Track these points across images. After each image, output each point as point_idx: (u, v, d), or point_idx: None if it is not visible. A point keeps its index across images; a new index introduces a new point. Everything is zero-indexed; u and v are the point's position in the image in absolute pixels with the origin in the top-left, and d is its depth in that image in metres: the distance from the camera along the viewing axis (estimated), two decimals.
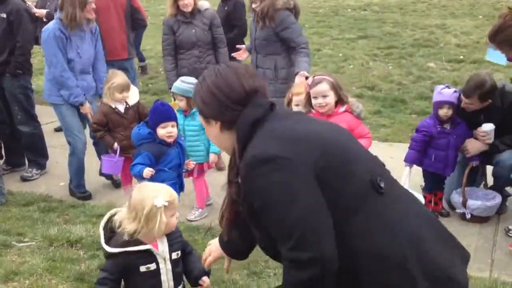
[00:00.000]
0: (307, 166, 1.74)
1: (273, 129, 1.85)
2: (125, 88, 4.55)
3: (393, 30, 11.56)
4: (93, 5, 4.70)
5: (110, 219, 2.53)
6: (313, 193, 1.73)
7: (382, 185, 1.82)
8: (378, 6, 14.69)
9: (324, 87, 3.61)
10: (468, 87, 4.18)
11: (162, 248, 2.50)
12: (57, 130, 6.86)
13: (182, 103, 4.39)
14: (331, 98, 3.63)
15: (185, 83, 4.39)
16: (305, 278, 1.70)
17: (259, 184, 1.77)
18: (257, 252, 3.84)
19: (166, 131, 3.71)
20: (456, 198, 4.38)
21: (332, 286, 1.73)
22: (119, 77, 4.57)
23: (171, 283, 2.52)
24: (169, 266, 2.52)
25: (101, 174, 5.25)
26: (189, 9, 5.27)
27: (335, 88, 3.64)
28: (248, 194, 1.83)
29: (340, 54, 9.88)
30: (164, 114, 3.75)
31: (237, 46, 5.28)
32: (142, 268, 2.45)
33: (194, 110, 4.45)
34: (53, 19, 6.06)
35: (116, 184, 5.18)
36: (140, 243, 2.45)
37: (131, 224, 2.42)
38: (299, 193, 1.71)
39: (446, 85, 4.45)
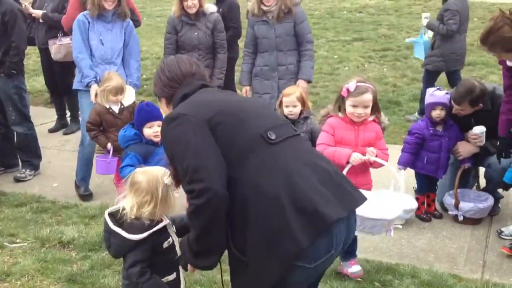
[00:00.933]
0: (202, 121, 2.20)
1: (191, 99, 2.37)
2: (119, 91, 4.54)
3: (388, 33, 11.58)
4: None
5: (113, 214, 2.61)
6: (205, 140, 2.16)
7: (272, 137, 2.22)
8: (373, 8, 14.72)
9: (368, 97, 3.40)
10: (458, 93, 4.21)
11: (168, 221, 2.63)
12: (51, 131, 6.86)
13: None
14: (370, 110, 3.46)
15: None
16: (196, 207, 2.10)
17: (167, 136, 2.28)
18: None
19: (152, 130, 3.71)
20: (449, 200, 4.39)
21: (222, 220, 2.12)
22: (114, 79, 4.56)
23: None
24: (175, 236, 2.63)
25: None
26: (193, 10, 5.27)
27: (375, 98, 3.48)
28: (164, 146, 2.34)
29: (336, 56, 9.90)
30: (150, 113, 3.75)
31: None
32: (165, 244, 2.57)
33: None
34: (50, 20, 6.10)
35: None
36: (157, 222, 2.55)
37: (149, 206, 2.51)
38: (193, 140, 2.16)
39: (438, 87, 4.47)
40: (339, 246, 2.20)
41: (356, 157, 3.37)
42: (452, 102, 4.24)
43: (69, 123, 6.91)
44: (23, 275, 3.65)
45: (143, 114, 3.69)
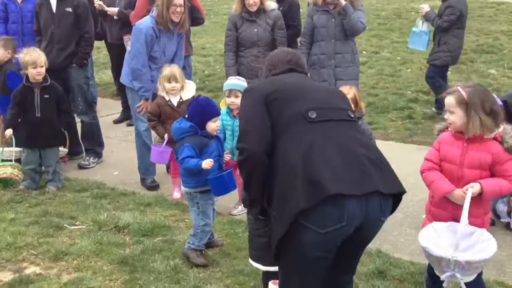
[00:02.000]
0: (261, 95, 2.66)
1: (270, 78, 2.91)
2: (172, 78, 4.74)
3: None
4: (178, 9, 4.90)
5: None
6: (256, 110, 2.62)
7: (313, 116, 2.56)
8: None
9: (450, 100, 2.98)
10: None
11: None
12: (116, 122, 7.18)
13: (238, 100, 4.52)
14: (457, 117, 2.95)
15: (241, 80, 4.64)
16: (239, 161, 2.65)
17: (240, 104, 2.85)
18: None
19: (216, 124, 3.84)
20: (501, 207, 4.29)
21: (258, 177, 2.58)
22: (168, 68, 4.80)
23: None
24: None
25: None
26: (254, 8, 5.39)
27: (466, 105, 2.91)
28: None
29: (399, 58, 9.76)
30: (216, 109, 3.89)
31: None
32: None
33: None
34: (125, 16, 6.38)
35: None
36: None
37: None
38: (248, 109, 2.69)
39: None
40: (353, 222, 2.42)
41: (457, 196, 2.96)
42: None
43: None
44: (79, 255, 3.88)
45: (210, 109, 3.80)
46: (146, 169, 5.26)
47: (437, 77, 6.88)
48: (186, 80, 4.96)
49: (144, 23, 4.94)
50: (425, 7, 6.79)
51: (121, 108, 7.32)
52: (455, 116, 2.96)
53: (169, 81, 4.75)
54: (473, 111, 2.88)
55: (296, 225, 2.40)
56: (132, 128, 6.84)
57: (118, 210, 4.61)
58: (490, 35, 11.26)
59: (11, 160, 5.16)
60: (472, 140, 2.96)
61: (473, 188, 2.91)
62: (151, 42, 4.93)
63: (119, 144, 6.43)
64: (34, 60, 4.97)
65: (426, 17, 6.75)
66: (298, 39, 6.28)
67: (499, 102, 3.96)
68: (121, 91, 7.46)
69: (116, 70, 7.45)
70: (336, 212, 2.38)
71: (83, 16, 5.53)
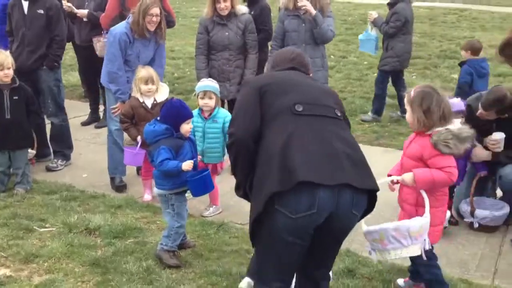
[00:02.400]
0: (256, 86, 2.83)
1: (269, 73, 3.23)
2: (149, 80, 4.77)
3: (420, 41, 11.55)
4: (154, 19, 4.96)
5: None
6: (249, 99, 2.80)
7: (299, 109, 2.70)
8: None
9: (405, 100, 3.34)
10: (487, 100, 4.25)
11: None
12: (84, 124, 7.12)
13: (212, 101, 4.61)
14: (408, 114, 3.29)
15: (214, 82, 4.71)
16: (227, 145, 2.86)
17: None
18: None
19: (189, 126, 3.87)
20: (465, 207, 4.44)
21: (244, 161, 2.78)
22: (143, 70, 4.82)
23: None
24: None
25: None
26: (225, 12, 5.44)
27: (412, 104, 3.24)
28: None
29: (365, 62, 9.95)
30: (189, 111, 3.93)
31: None
32: None
33: (214, 113, 4.64)
34: (94, 18, 6.34)
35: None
36: None
37: None
38: (241, 99, 2.87)
39: (449, 96, 4.51)
40: (323, 211, 2.55)
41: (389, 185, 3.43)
42: (480, 106, 4.28)
43: (101, 117, 7.16)
44: (50, 258, 3.85)
45: (185, 111, 3.83)
46: (115, 168, 5.27)
47: (385, 83, 7.16)
48: (160, 82, 4.99)
49: (118, 29, 5.02)
50: (374, 14, 7.02)
51: (89, 110, 7.27)
52: (407, 113, 3.33)
53: (146, 83, 4.77)
54: (414, 109, 3.24)
55: (270, 208, 2.55)
56: (100, 131, 6.85)
57: (88, 213, 4.59)
58: (453, 41, 11.58)
59: None
60: (418, 134, 3.33)
61: (404, 176, 3.28)
62: (124, 46, 4.99)
63: (88, 146, 6.39)
64: (1, 63, 4.90)
65: (374, 23, 6.96)
66: (270, 43, 6.37)
67: (459, 106, 4.15)
68: (89, 93, 7.42)
69: (84, 72, 7.40)
70: (307, 199, 2.52)
71: (55, 18, 5.48)
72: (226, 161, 4.80)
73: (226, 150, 4.79)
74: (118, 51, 4.97)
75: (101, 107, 7.20)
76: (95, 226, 4.29)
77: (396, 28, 6.78)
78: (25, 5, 5.46)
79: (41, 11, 5.43)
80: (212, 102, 4.63)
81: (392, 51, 6.91)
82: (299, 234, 2.59)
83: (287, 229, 2.56)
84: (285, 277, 2.77)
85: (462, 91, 5.98)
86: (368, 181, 2.66)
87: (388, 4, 7.15)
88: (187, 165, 3.71)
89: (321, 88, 2.98)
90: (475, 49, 6.22)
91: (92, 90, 7.23)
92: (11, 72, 4.97)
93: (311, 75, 3.17)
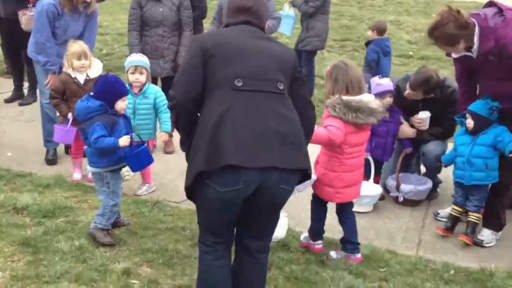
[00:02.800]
0: (200, 48, 2.75)
1: (219, 30, 3.33)
2: (82, 55, 4.63)
3: (349, 23, 11.84)
4: None
5: None
6: (192, 62, 2.75)
7: (238, 84, 2.67)
8: None
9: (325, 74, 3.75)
10: (415, 80, 4.44)
11: None
12: (7, 101, 6.80)
13: (143, 77, 4.58)
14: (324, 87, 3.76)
15: (145, 57, 4.69)
16: (169, 106, 2.84)
17: None
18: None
19: (125, 103, 3.79)
20: (391, 182, 4.65)
21: (185, 122, 2.80)
22: (76, 44, 4.67)
23: None
24: None
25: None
26: None
27: (326, 77, 3.68)
28: None
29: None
30: (125, 87, 3.85)
31: None
32: None
33: (144, 88, 4.60)
34: None
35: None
36: None
37: None
38: (186, 61, 2.82)
39: (379, 75, 4.71)
40: (249, 186, 2.63)
41: None
42: (408, 86, 4.47)
43: (25, 94, 6.87)
44: None
45: (121, 87, 3.74)
46: (47, 141, 5.18)
47: (312, 63, 7.12)
48: (93, 58, 4.85)
49: (45, 2, 4.82)
50: None
51: (13, 87, 6.94)
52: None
53: (79, 58, 4.62)
54: (326, 80, 3.66)
55: (200, 180, 2.67)
56: (24, 108, 6.59)
57: (15, 192, 4.43)
58: None
59: None
60: None
61: None
62: (52, 18, 4.82)
63: (12, 123, 6.12)
64: None
65: (293, 3, 6.92)
66: (204, 21, 6.33)
67: (387, 86, 4.35)
68: (13, 69, 7.08)
69: (7, 47, 7.04)
70: (232, 178, 2.61)
71: None
72: (162, 140, 4.77)
73: (156, 127, 4.78)
74: (46, 22, 4.81)
75: (26, 84, 6.90)
76: (23, 205, 4.15)
77: (316, 8, 6.75)
78: None
79: None
80: (143, 78, 4.59)
81: (313, 31, 6.87)
82: (228, 204, 2.71)
83: (216, 200, 2.68)
84: (221, 234, 2.84)
85: (370, 68, 6.47)
86: (299, 161, 2.70)
87: None
88: (124, 141, 3.65)
89: (268, 54, 2.78)
90: (380, 30, 6.77)
91: (16, 66, 6.90)
92: None
93: (266, 25, 2.99)
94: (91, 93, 3.70)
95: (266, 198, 2.71)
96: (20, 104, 6.72)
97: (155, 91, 4.68)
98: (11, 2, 6.30)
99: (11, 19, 6.34)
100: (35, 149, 5.33)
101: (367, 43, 6.80)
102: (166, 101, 4.49)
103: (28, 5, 5.99)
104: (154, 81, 5.34)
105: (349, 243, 3.72)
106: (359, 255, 3.71)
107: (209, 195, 2.68)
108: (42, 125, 5.23)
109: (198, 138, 2.69)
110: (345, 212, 3.76)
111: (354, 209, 3.85)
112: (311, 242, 3.83)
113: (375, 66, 6.54)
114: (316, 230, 3.81)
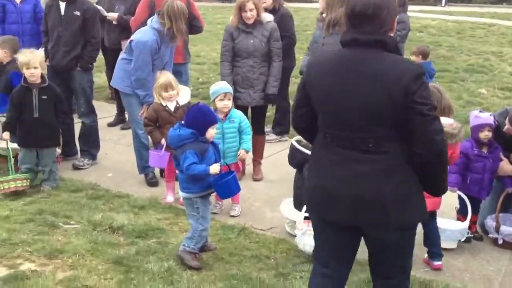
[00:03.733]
0: (302, 82, 2.70)
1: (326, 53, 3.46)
2: (168, 86, 4.87)
3: (447, 54, 11.50)
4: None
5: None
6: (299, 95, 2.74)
7: (327, 140, 2.55)
8: (435, 28, 14.63)
9: None
10: None
11: None
12: (110, 125, 7.22)
13: (230, 103, 4.83)
14: None
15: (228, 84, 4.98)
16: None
17: None
18: (287, 255, 4.01)
19: (214, 131, 3.93)
20: (490, 223, 4.40)
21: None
22: (163, 76, 4.94)
23: None
24: None
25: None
26: (251, 21, 5.48)
27: None
28: None
29: None
30: (215, 115, 4.03)
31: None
32: None
33: (230, 113, 4.85)
34: (124, 22, 6.45)
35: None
36: None
37: None
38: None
39: (480, 109, 4.53)
40: None
41: None
42: (507, 121, 4.28)
43: (127, 119, 7.26)
44: (75, 254, 3.91)
45: (212, 116, 3.90)
46: (144, 167, 5.42)
47: None
48: (180, 85, 5.08)
49: (148, 37, 5.14)
50: None
51: (115, 112, 7.37)
52: None
53: (166, 89, 4.86)
54: None
55: None
56: (125, 132, 6.94)
57: (112, 211, 4.65)
58: (481, 55, 11.49)
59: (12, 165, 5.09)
60: None
61: None
62: (153, 52, 5.15)
63: (113, 147, 6.47)
64: (27, 61, 5.00)
65: None
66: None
67: (486, 119, 4.22)
68: (116, 95, 7.52)
69: (111, 74, 7.51)
70: None
71: (91, 21, 5.60)
72: (240, 157, 4.94)
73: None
74: (149, 59, 5.12)
75: None
76: (118, 225, 4.35)
77: (401, 37, 6.91)
78: (62, 6, 5.60)
79: (78, 13, 5.55)
80: (230, 103, 4.83)
81: None
82: None
83: None
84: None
85: None
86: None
87: None
88: (214, 168, 3.75)
89: (364, 102, 2.42)
90: (425, 54, 7.27)
91: (118, 92, 7.31)
92: (37, 72, 5.04)
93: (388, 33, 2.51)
94: (182, 122, 3.84)
95: None
96: (122, 128, 7.12)
97: (239, 115, 4.91)
98: (114, 33, 6.74)
99: (115, 48, 6.80)
100: (133, 172, 5.59)
101: None
102: (249, 124, 4.97)
103: (130, 35, 6.38)
104: (244, 110, 5.47)
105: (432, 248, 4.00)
106: (439, 263, 4.00)
107: None
108: (138, 155, 5.42)
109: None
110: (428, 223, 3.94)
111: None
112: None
113: None
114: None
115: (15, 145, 5.16)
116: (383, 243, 2.61)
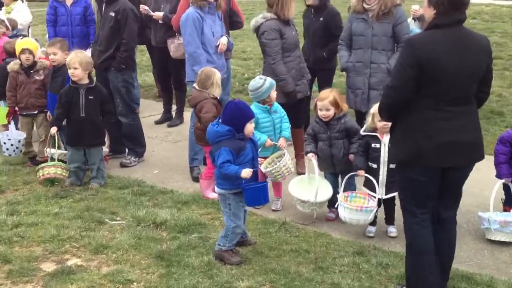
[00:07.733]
0: (415, 65, 3.10)
1: (432, 33, 3.24)
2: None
3: (500, 40, 11.08)
4: None
5: None
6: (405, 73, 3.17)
7: (437, 106, 3.10)
8: (488, 15, 14.11)
9: None
10: None
11: None
12: (157, 123, 7.38)
13: (276, 94, 4.86)
14: None
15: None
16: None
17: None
18: (326, 249, 4.01)
19: (252, 126, 3.93)
20: None
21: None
22: (217, 74, 4.94)
23: None
24: None
25: None
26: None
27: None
28: None
29: None
30: (252, 110, 3.98)
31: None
32: None
33: (275, 106, 4.88)
34: (169, 21, 6.58)
35: None
36: None
37: None
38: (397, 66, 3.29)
39: None
40: None
41: None
42: None
43: (173, 116, 7.40)
44: (119, 249, 4.05)
45: (249, 111, 3.89)
46: (193, 159, 5.54)
47: None
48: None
49: (188, 12, 5.39)
50: (419, 9, 6.38)
51: (163, 110, 7.52)
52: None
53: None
54: None
55: None
56: (172, 129, 7.09)
57: (156, 207, 4.78)
58: None
59: (55, 159, 5.33)
60: None
61: None
62: (198, 24, 5.30)
63: (160, 144, 6.62)
64: (68, 62, 5.20)
65: (420, 19, 6.38)
66: None
67: None
68: (163, 93, 7.68)
69: (158, 73, 7.68)
70: None
71: (122, 22, 5.69)
72: (279, 145, 4.84)
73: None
74: (193, 31, 5.29)
75: (174, 107, 7.44)
76: (162, 221, 4.46)
77: None
78: (103, 7, 5.79)
79: (112, 14, 5.68)
80: (276, 95, 4.87)
81: None
82: None
83: None
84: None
85: None
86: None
87: None
88: (246, 172, 3.70)
89: (475, 68, 3.14)
90: None
91: (166, 91, 7.47)
92: (77, 72, 5.16)
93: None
94: (220, 119, 3.86)
95: None
96: (169, 126, 7.25)
97: (278, 106, 4.92)
98: (160, 32, 6.87)
99: (161, 47, 6.92)
100: (178, 168, 5.72)
101: None
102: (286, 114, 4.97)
103: (176, 34, 6.50)
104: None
105: None
106: None
107: None
108: (190, 146, 5.53)
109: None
110: None
111: (497, 237, 3.94)
112: None
113: None
114: None
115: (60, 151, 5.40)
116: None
